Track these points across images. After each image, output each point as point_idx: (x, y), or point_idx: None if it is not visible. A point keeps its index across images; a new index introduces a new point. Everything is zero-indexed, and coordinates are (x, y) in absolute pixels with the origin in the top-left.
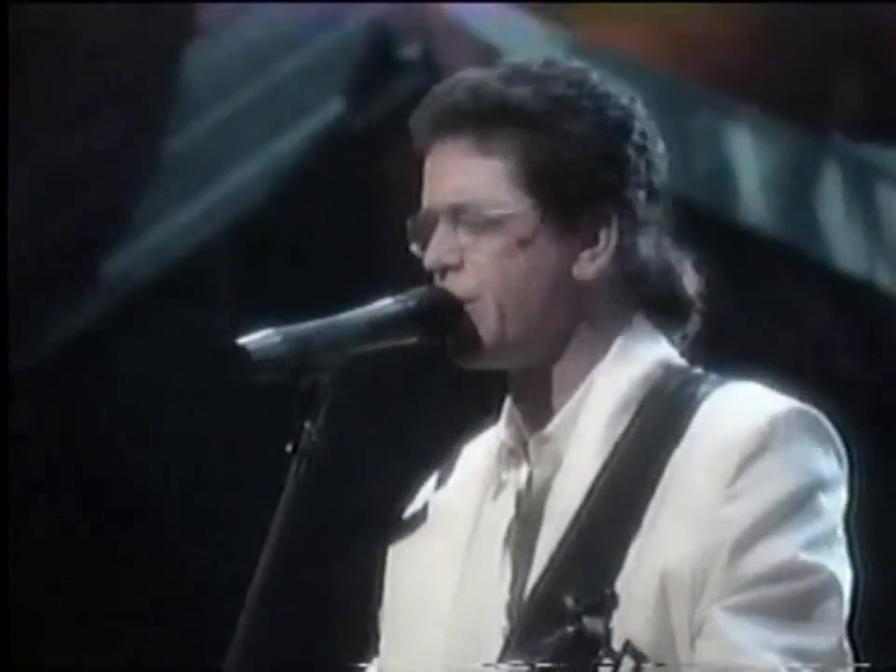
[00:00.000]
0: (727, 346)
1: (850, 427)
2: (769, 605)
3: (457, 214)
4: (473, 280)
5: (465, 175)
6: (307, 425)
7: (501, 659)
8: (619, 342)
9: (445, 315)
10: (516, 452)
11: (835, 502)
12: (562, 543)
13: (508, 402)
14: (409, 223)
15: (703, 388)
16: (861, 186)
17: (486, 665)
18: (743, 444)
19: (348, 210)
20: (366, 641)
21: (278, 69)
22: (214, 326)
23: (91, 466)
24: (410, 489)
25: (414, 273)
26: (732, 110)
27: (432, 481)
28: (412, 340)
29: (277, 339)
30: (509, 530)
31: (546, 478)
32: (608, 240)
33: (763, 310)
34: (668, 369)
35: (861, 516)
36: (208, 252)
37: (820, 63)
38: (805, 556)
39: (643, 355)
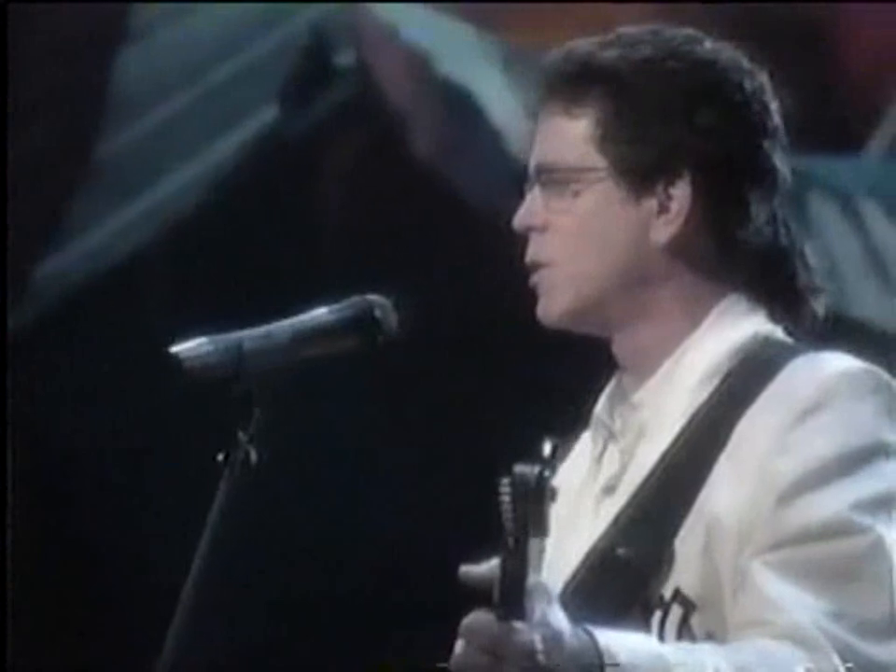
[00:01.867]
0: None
1: None
2: (810, 564)
3: (542, 176)
4: (553, 243)
5: (550, 137)
6: (240, 433)
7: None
8: (713, 314)
9: (376, 325)
10: (609, 426)
11: (890, 468)
12: (629, 503)
13: (615, 376)
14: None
15: (786, 357)
16: (794, 196)
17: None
18: (804, 398)
19: (283, 216)
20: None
21: (213, 74)
22: (147, 332)
23: (20, 469)
24: (345, 498)
25: (349, 280)
26: None
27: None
28: (344, 349)
29: (210, 347)
30: (597, 502)
31: (630, 446)
32: (681, 205)
33: None
34: (765, 342)
35: None
36: (142, 257)
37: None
38: (853, 515)
39: (737, 327)
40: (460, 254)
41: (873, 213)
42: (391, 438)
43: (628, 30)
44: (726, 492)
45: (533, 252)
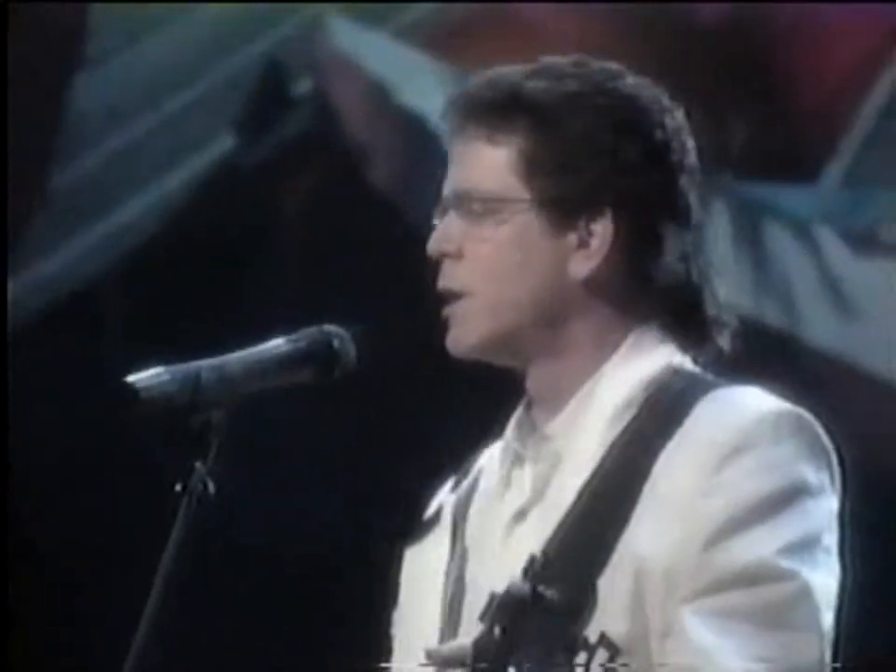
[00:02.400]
0: None
1: None
2: (738, 611)
3: (461, 203)
4: (468, 271)
5: (471, 164)
6: (197, 464)
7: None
8: (624, 346)
9: (334, 356)
10: (520, 452)
11: (820, 510)
12: (552, 539)
13: (522, 404)
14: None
15: (706, 389)
16: (749, 223)
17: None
18: (728, 440)
19: (239, 246)
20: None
21: (169, 102)
22: (102, 362)
23: None
24: (303, 528)
25: (305, 310)
26: None
27: (448, 484)
28: (302, 379)
29: (167, 377)
30: (507, 529)
31: (545, 476)
32: (602, 240)
33: None
34: (676, 373)
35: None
36: (96, 286)
37: (709, 100)
38: (779, 560)
39: (648, 359)
40: (418, 285)
41: (827, 239)
42: (345, 467)
43: (553, 60)
44: (651, 533)
45: (447, 280)
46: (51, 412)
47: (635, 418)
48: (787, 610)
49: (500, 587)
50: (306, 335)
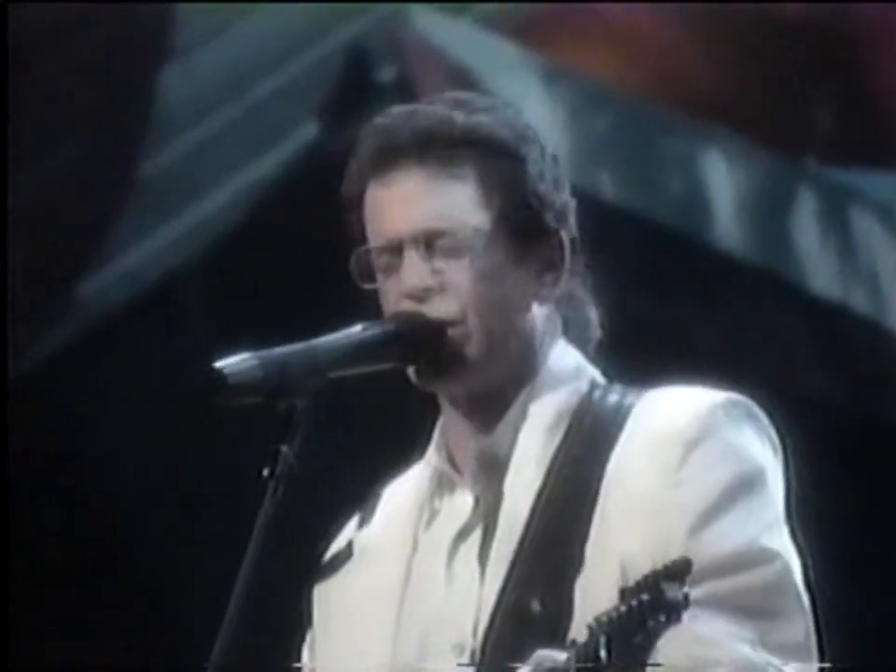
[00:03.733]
0: (700, 367)
1: (820, 447)
2: (732, 596)
3: (432, 239)
4: (456, 303)
5: (438, 201)
6: (284, 448)
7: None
8: (549, 361)
9: (423, 339)
10: (449, 476)
11: (777, 489)
12: (517, 553)
13: (437, 430)
14: (355, 259)
15: (630, 395)
16: (835, 210)
17: (460, 664)
18: (685, 431)
19: (323, 234)
20: None
21: (255, 91)
22: (190, 349)
23: (69, 484)
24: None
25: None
26: (705, 134)
27: (353, 521)
28: (389, 364)
29: (254, 362)
30: (450, 552)
31: (491, 494)
32: (564, 264)
33: (736, 333)
34: (592, 384)
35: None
36: (184, 275)
37: (795, 87)
38: (762, 541)
39: (570, 373)
40: None
41: None
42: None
43: (448, 96)
44: (628, 533)
45: (437, 311)
46: (140, 401)
47: (569, 429)
48: (775, 591)
49: (463, 609)
50: (392, 318)
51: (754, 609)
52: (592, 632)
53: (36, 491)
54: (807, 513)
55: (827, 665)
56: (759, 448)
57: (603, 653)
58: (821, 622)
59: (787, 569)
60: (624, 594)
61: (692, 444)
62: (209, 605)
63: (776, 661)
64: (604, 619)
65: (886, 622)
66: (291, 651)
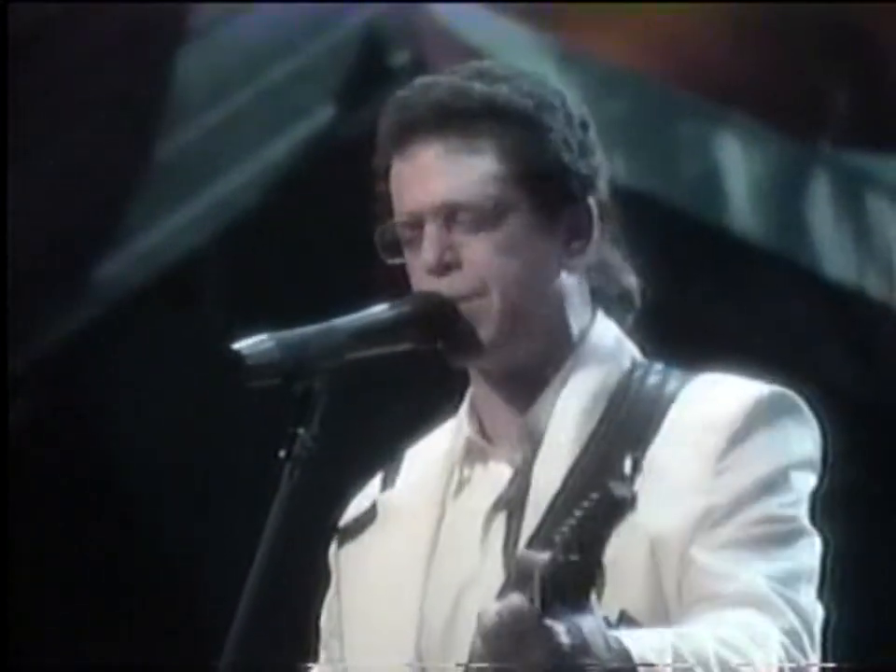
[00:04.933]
0: (716, 351)
1: (833, 430)
2: (747, 539)
3: (452, 212)
4: (475, 277)
5: (457, 174)
6: (301, 430)
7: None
8: (590, 335)
9: (440, 320)
10: (481, 446)
11: (807, 481)
12: (538, 531)
13: (468, 400)
14: (380, 234)
15: (673, 379)
16: (851, 193)
17: (458, 664)
18: (731, 424)
19: (339, 215)
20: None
21: (269, 74)
22: (207, 331)
23: (84, 469)
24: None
25: (406, 277)
26: (721, 117)
27: (376, 482)
28: (406, 345)
29: (272, 344)
30: (487, 520)
31: (526, 466)
32: (591, 232)
33: (752, 316)
34: (633, 361)
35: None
36: (200, 257)
37: (811, 71)
38: (781, 510)
39: (610, 348)
40: None
41: None
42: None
43: (471, 65)
44: (661, 513)
45: (456, 287)
46: (157, 385)
47: (609, 407)
48: (792, 539)
49: (490, 576)
50: (410, 299)
51: (768, 549)
52: (555, 541)
53: (45, 478)
54: (828, 499)
55: (830, 665)
56: (800, 441)
57: (560, 556)
58: (832, 618)
59: (802, 529)
60: (582, 498)
61: (735, 438)
62: (225, 596)
63: (790, 592)
64: (564, 527)
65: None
66: (307, 635)
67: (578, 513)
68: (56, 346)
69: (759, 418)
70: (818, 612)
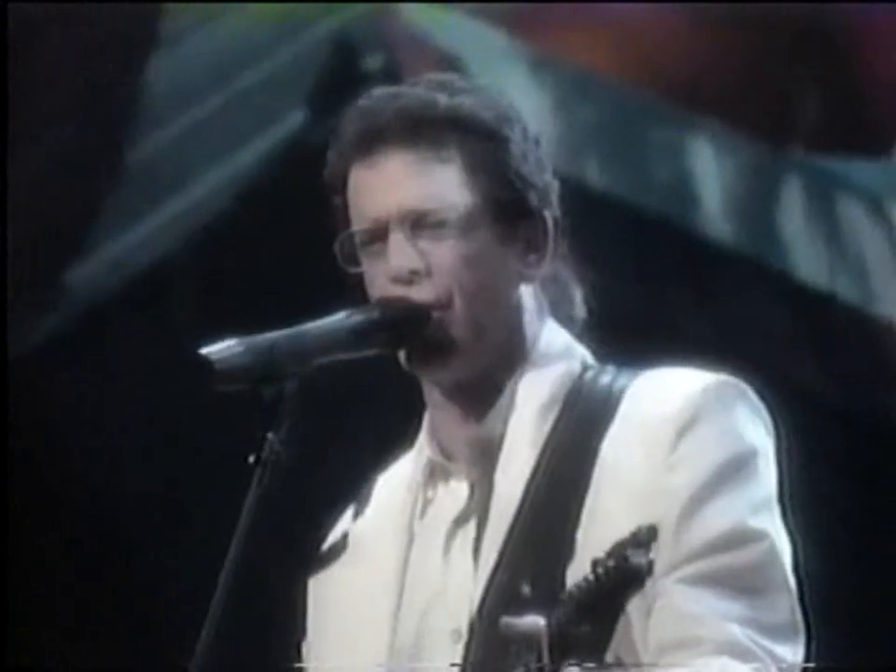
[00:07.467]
0: (686, 355)
1: (805, 434)
2: (720, 574)
3: (418, 220)
4: (442, 286)
5: (426, 182)
6: (270, 435)
7: (465, 656)
8: (540, 342)
9: (408, 325)
10: (442, 465)
11: (769, 470)
12: (508, 539)
13: (426, 421)
14: (339, 244)
15: (622, 377)
16: (822, 198)
17: (453, 664)
18: (678, 415)
19: (309, 221)
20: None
21: (241, 79)
22: (177, 336)
23: (54, 474)
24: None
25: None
26: (692, 123)
27: (349, 513)
28: (375, 350)
29: (241, 349)
30: (447, 538)
31: (486, 480)
32: (547, 245)
33: (721, 320)
34: (584, 364)
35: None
36: (171, 262)
37: (782, 76)
38: (750, 522)
39: (561, 353)
40: None
41: None
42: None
43: (429, 77)
44: (618, 518)
45: (422, 295)
46: (128, 389)
47: (562, 413)
48: (761, 571)
49: (457, 594)
50: (378, 305)
51: (742, 587)
52: (563, 601)
53: (28, 483)
54: (794, 502)
55: (822, 665)
56: (751, 429)
57: (573, 621)
58: (811, 617)
59: (774, 550)
60: (595, 564)
61: (683, 429)
62: (200, 600)
63: (763, 641)
64: (573, 589)
65: (876, 615)
66: (282, 643)
67: (590, 579)
68: (25, 351)
69: (706, 406)
70: (791, 654)
